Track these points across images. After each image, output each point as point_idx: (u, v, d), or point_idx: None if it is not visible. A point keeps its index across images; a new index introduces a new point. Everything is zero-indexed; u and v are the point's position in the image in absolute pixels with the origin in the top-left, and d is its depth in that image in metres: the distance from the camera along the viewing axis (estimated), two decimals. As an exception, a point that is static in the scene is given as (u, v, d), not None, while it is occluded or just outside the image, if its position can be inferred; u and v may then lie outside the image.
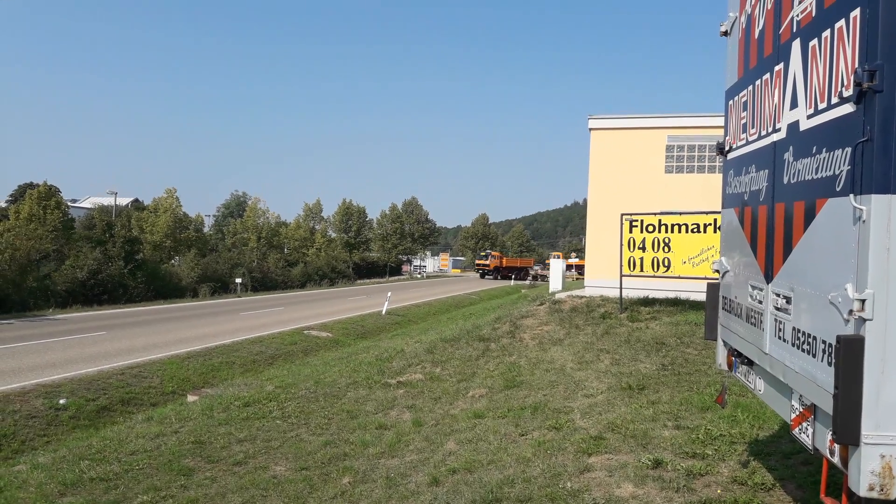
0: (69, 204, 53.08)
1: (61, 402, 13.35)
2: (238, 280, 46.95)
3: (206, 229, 69.36)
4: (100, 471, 7.99)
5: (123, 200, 70.60)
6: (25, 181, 65.88)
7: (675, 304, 15.91)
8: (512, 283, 69.81)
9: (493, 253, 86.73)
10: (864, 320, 3.07)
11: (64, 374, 15.15)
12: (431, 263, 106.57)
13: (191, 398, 13.83)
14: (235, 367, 18.25)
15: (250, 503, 6.80)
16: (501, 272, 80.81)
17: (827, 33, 3.51)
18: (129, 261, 41.40)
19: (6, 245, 35.07)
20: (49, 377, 14.79)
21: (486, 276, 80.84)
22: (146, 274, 42.37)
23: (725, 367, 5.49)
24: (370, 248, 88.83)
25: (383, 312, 31.21)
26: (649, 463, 6.25)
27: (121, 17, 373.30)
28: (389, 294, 34.39)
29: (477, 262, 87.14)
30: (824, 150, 3.50)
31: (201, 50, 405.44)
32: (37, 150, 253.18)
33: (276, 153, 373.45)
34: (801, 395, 3.77)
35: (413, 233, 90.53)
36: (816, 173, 3.60)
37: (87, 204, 73.73)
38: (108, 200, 61.09)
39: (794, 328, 3.88)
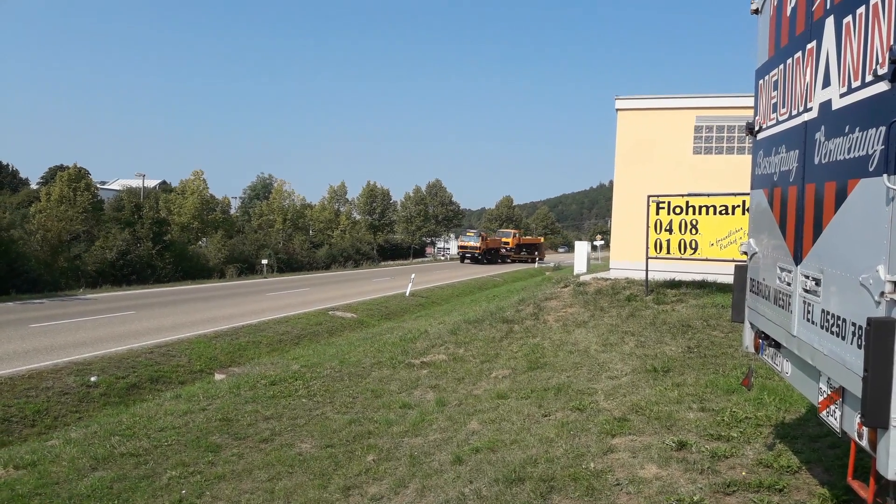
0: (98, 186, 53.85)
1: (92, 379, 13.65)
2: (264, 261, 47.32)
3: (232, 211, 70.14)
4: (130, 446, 8.19)
5: (151, 182, 71.58)
6: (56, 163, 67.07)
7: (702, 286, 15.76)
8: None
9: (482, 233, 70.60)
10: (896, 302, 3.01)
11: (94, 353, 15.46)
12: (455, 246, 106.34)
13: (218, 377, 14.07)
14: (262, 347, 18.49)
15: (276, 479, 6.92)
16: (486, 256, 65.76)
17: (862, 10, 3.42)
18: (158, 242, 41.96)
19: (38, 226, 35.83)
20: (80, 355, 15.11)
21: (466, 260, 65.31)
22: (174, 255, 42.95)
23: (752, 350, 5.43)
24: (394, 230, 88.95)
25: (407, 294, 31.32)
26: (673, 445, 6.22)
27: (150, 14, 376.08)
28: (413, 276, 34.48)
29: (460, 244, 68.96)
30: (857, 129, 3.42)
31: (230, 44, 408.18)
32: (67, 134, 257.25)
33: (302, 137, 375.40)
34: (829, 378, 3.72)
35: (437, 215, 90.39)
36: (849, 153, 3.52)
37: (115, 186, 74.68)
38: (136, 182, 61.68)
39: (823, 310, 3.82)
